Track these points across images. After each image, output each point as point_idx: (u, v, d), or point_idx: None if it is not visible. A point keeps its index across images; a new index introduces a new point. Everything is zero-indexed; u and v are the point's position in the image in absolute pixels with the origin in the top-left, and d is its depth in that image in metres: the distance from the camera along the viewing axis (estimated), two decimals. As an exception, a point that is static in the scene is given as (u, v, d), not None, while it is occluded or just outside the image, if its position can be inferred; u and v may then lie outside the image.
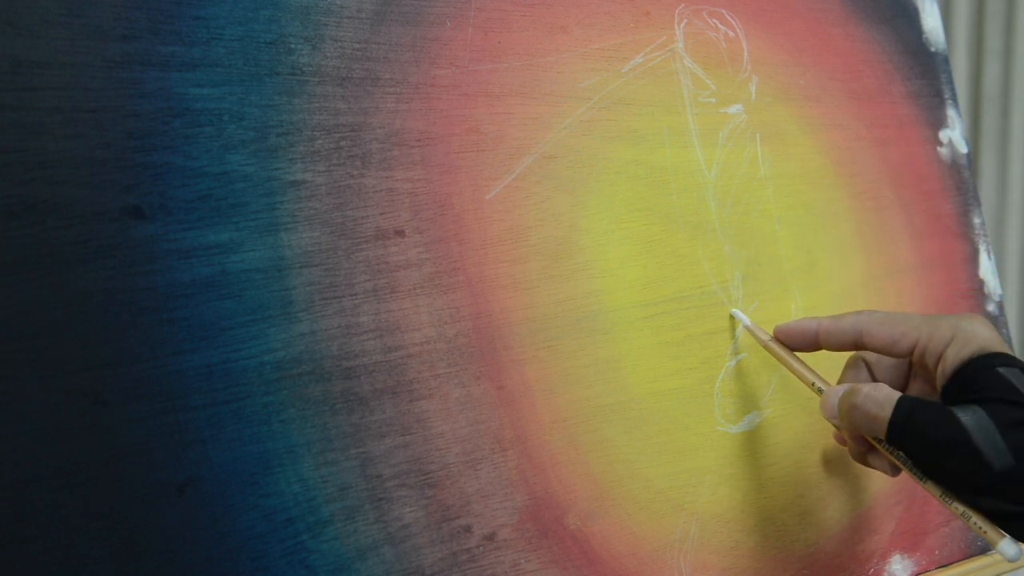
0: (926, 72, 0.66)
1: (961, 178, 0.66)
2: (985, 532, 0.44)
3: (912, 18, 0.66)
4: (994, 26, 1.41)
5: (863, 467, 0.52)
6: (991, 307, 0.66)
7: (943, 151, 0.66)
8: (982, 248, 0.67)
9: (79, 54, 0.39)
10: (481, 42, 0.49)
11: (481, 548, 0.46)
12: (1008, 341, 0.66)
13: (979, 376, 0.44)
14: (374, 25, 0.46)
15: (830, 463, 0.57)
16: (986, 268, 0.66)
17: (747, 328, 0.54)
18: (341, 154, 0.44)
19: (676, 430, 0.52)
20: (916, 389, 0.51)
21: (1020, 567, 0.48)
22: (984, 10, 1.41)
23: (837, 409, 0.48)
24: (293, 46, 0.44)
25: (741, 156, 0.56)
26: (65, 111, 0.39)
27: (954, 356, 0.46)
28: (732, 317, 0.55)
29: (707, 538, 0.52)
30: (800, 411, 0.57)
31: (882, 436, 0.46)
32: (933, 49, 0.67)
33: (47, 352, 0.37)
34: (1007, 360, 0.45)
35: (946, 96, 0.67)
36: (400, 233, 0.45)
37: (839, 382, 0.52)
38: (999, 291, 0.67)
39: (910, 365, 0.51)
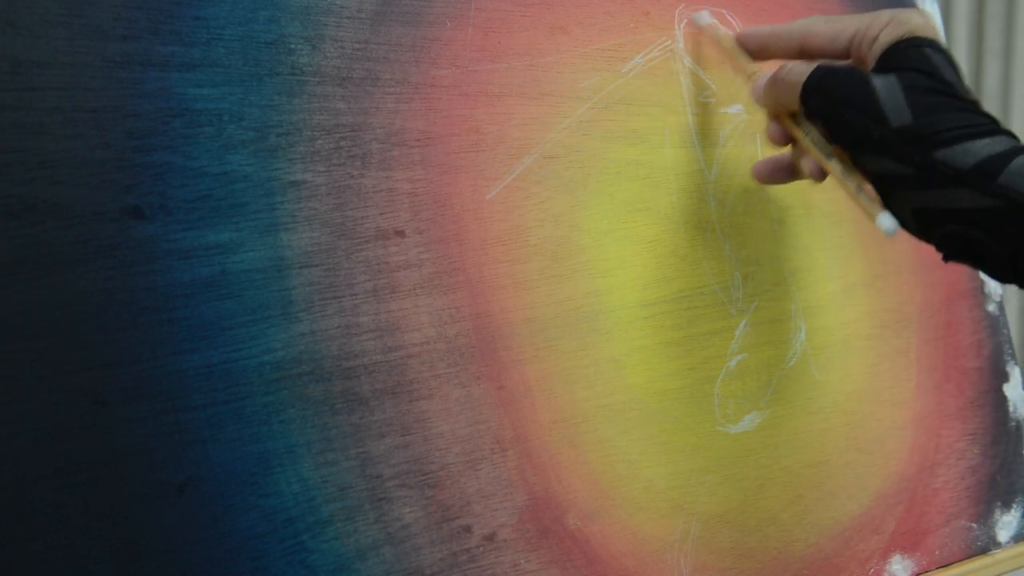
0: (926, 72, 0.66)
1: (961, 178, 0.66)
2: (866, 207, 0.46)
3: (912, 18, 0.66)
4: (994, 26, 1.41)
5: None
6: (991, 307, 0.66)
7: (943, 151, 0.66)
8: (982, 248, 0.67)
9: (79, 54, 0.39)
10: (481, 42, 0.49)
11: (481, 548, 0.46)
12: (1008, 340, 0.66)
13: (904, 52, 0.46)
14: (374, 25, 0.46)
15: (830, 463, 0.57)
16: (986, 268, 0.66)
17: (707, 25, 0.55)
18: (341, 154, 0.44)
19: (676, 430, 0.52)
20: None
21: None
22: (984, 10, 1.41)
23: (763, 88, 0.50)
24: (293, 46, 0.44)
25: (741, 156, 0.56)
26: (65, 111, 0.39)
27: (886, 36, 0.47)
28: (691, 22, 0.55)
29: (707, 538, 0.52)
30: (800, 411, 0.57)
31: (796, 104, 0.48)
32: (933, 49, 0.67)
33: (47, 352, 0.37)
34: (936, 45, 0.46)
35: (946, 96, 0.66)
36: (400, 233, 0.45)
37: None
38: (999, 291, 0.67)
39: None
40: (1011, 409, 0.65)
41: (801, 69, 0.48)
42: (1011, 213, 0.41)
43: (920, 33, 0.46)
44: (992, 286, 0.66)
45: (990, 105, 1.42)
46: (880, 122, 0.44)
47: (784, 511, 0.55)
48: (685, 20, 0.55)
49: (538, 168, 0.49)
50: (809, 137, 0.49)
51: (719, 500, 0.53)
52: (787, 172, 0.53)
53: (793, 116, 0.50)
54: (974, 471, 0.63)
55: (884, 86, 0.44)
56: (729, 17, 0.57)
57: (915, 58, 0.45)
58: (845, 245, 0.60)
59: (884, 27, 0.47)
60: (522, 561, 0.47)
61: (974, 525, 0.62)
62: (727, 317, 0.55)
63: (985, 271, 0.45)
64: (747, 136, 0.57)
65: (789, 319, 0.57)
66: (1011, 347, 0.66)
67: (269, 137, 0.43)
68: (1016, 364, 0.66)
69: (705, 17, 0.55)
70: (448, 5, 0.48)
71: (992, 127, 0.43)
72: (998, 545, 0.63)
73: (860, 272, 0.60)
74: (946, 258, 0.45)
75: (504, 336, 0.47)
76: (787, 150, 0.52)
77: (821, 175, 0.50)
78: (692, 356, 0.53)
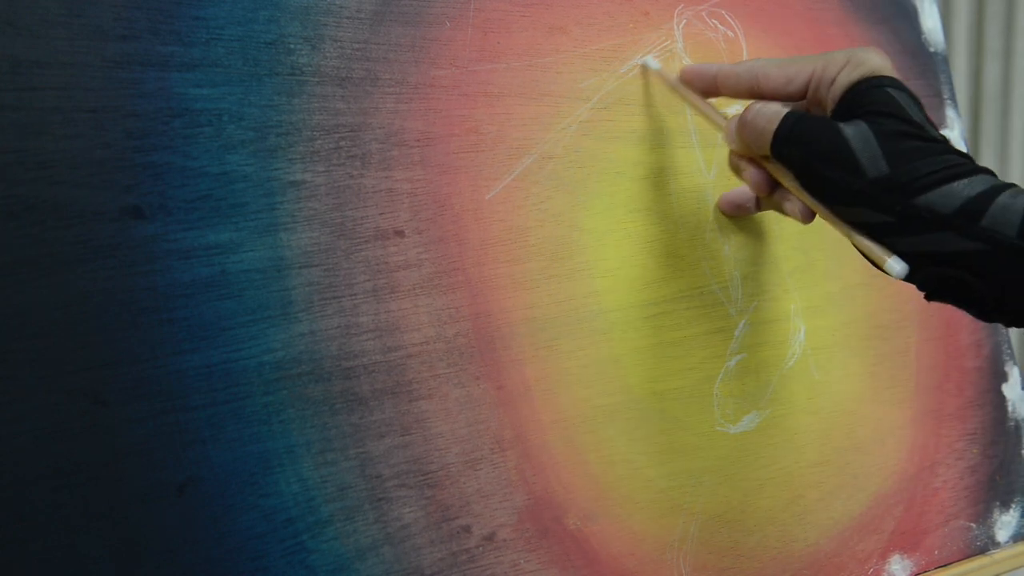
0: (925, 72, 0.66)
1: (961, 178, 0.66)
2: (871, 251, 0.44)
3: (911, 18, 0.66)
4: (994, 26, 1.41)
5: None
6: (991, 307, 0.66)
7: (943, 151, 0.66)
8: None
9: (79, 54, 0.39)
10: (481, 42, 0.49)
11: (481, 548, 0.46)
12: (1007, 340, 0.66)
13: (867, 94, 0.44)
14: (374, 25, 0.46)
15: (830, 463, 0.57)
16: (986, 268, 0.66)
17: (657, 72, 0.53)
18: (341, 154, 0.44)
19: (676, 430, 0.52)
20: None
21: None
22: (984, 10, 1.41)
23: (735, 132, 0.48)
24: (293, 46, 0.44)
25: (741, 156, 0.56)
26: (65, 111, 0.39)
27: (845, 77, 0.45)
28: (643, 66, 0.53)
29: (707, 538, 0.52)
30: (800, 411, 0.57)
31: (767, 150, 0.46)
32: (932, 49, 0.67)
33: (47, 352, 0.37)
34: (897, 83, 0.45)
35: (946, 96, 0.67)
36: (400, 233, 0.45)
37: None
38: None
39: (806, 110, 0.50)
40: (1010, 409, 0.65)
41: (769, 113, 0.46)
42: (997, 255, 0.40)
43: (880, 72, 0.45)
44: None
45: (990, 105, 1.42)
46: (856, 174, 0.43)
47: (784, 511, 0.55)
48: (684, 21, 0.55)
49: (538, 168, 0.50)
50: (789, 182, 0.47)
51: (719, 500, 0.53)
52: (752, 206, 0.53)
53: (766, 158, 0.48)
54: (973, 471, 0.63)
55: (856, 135, 0.43)
56: (728, 18, 0.57)
57: (881, 100, 0.44)
58: (845, 245, 0.60)
59: (842, 68, 0.46)
60: (522, 561, 0.47)
61: (973, 525, 0.62)
62: (727, 317, 0.55)
63: (967, 309, 0.44)
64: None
65: (789, 319, 0.57)
66: (1010, 347, 0.66)
67: (269, 137, 0.43)
68: (1015, 364, 0.66)
69: (652, 62, 0.53)
70: (448, 5, 0.48)
71: (968, 166, 0.42)
72: (997, 545, 0.63)
73: (860, 272, 0.60)
74: (928, 297, 0.44)
75: (504, 336, 0.47)
76: (744, 183, 0.51)
77: (809, 216, 0.48)
78: (692, 356, 0.53)
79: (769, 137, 0.46)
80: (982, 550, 0.62)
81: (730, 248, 0.55)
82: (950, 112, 0.67)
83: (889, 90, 0.44)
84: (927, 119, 0.44)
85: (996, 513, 0.64)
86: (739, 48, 0.57)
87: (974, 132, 1.44)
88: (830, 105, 0.46)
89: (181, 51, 0.41)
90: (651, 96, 0.54)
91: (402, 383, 0.45)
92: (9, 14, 0.38)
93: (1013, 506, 0.64)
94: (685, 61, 0.55)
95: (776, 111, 0.46)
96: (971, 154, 0.49)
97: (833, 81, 0.46)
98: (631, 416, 0.51)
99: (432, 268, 0.46)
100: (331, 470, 0.43)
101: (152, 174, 0.40)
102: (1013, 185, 0.42)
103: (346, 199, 0.44)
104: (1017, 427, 0.66)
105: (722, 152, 0.56)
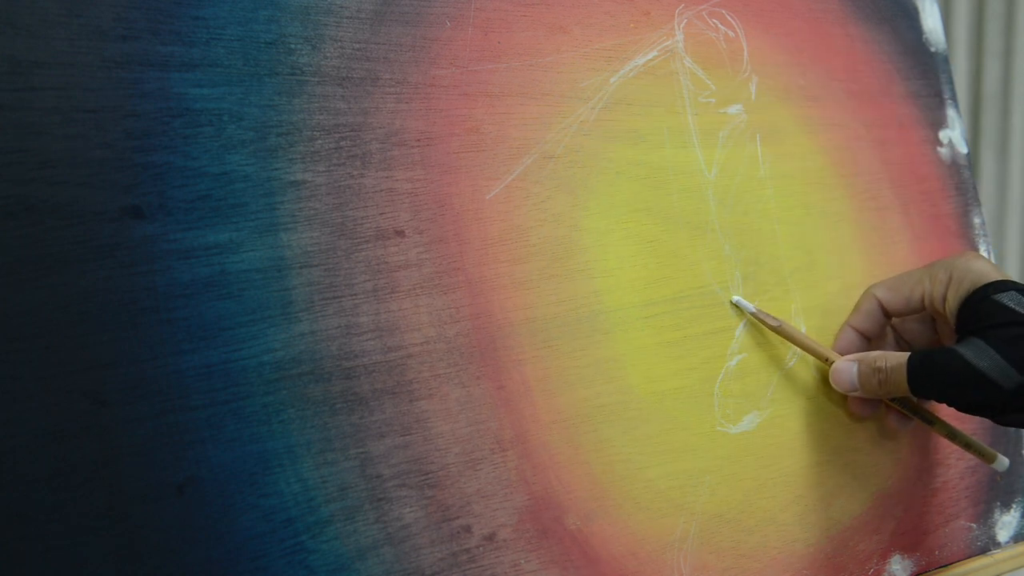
0: (926, 72, 0.66)
1: (961, 178, 0.66)
2: (981, 452, 0.55)
3: (912, 18, 0.66)
4: (994, 26, 1.41)
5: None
6: (991, 307, 0.66)
7: (943, 151, 0.66)
8: (982, 248, 0.67)
9: (78, 54, 0.39)
10: (481, 42, 0.49)
11: (481, 548, 0.46)
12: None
13: (978, 308, 0.49)
14: (374, 25, 0.46)
15: (830, 463, 0.57)
16: (986, 268, 0.66)
17: (754, 315, 0.55)
18: (341, 154, 0.44)
19: (676, 430, 0.52)
20: (947, 336, 0.56)
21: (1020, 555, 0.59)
22: (984, 10, 1.41)
23: (857, 380, 0.53)
24: (293, 46, 0.44)
25: (741, 156, 0.56)
26: (65, 111, 0.38)
27: (954, 297, 0.50)
28: (734, 305, 0.55)
29: (707, 538, 0.52)
30: (800, 411, 0.57)
31: (904, 394, 0.52)
32: (933, 49, 0.67)
33: (47, 352, 0.37)
34: (1001, 286, 0.48)
35: (946, 96, 0.66)
36: (400, 233, 0.45)
37: (841, 345, 0.57)
38: (999, 291, 0.67)
39: (932, 317, 0.56)
40: (1011, 409, 0.65)
41: (893, 364, 0.51)
42: None
43: (983, 280, 0.48)
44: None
45: (990, 105, 1.42)
46: (994, 389, 0.46)
47: (784, 511, 0.55)
48: (685, 21, 0.55)
49: (538, 168, 0.49)
50: (908, 408, 0.55)
51: (719, 500, 0.53)
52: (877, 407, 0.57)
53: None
54: (973, 471, 0.63)
55: (978, 356, 0.47)
56: (729, 17, 0.57)
57: (992, 312, 0.47)
58: (845, 245, 0.60)
59: (947, 286, 0.50)
60: (522, 561, 0.47)
61: (974, 525, 0.62)
62: (727, 317, 0.55)
63: None
64: (746, 136, 0.57)
65: (789, 319, 0.57)
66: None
67: (269, 137, 0.43)
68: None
69: (746, 303, 0.55)
70: (448, 5, 0.48)
71: None
72: (998, 545, 0.63)
73: (860, 272, 0.60)
74: None
75: (504, 336, 0.47)
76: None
77: (905, 425, 0.57)
78: (692, 356, 0.53)
79: (904, 384, 0.51)
80: (983, 550, 0.62)
81: (730, 248, 0.55)
82: (950, 112, 0.67)
83: (996, 298, 0.48)
84: None
85: (997, 513, 0.64)
86: (739, 48, 0.57)
87: (974, 132, 1.44)
88: (952, 321, 0.51)
89: (181, 51, 0.41)
90: (652, 96, 0.54)
91: (402, 383, 0.45)
92: (9, 14, 0.38)
93: (1014, 506, 0.64)
94: (686, 62, 0.55)
95: (899, 358, 0.51)
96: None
97: (944, 299, 0.51)
98: (631, 416, 0.51)
99: (432, 268, 0.46)
100: (331, 470, 0.43)
101: (152, 174, 0.40)
102: None
103: (346, 199, 0.44)
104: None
105: (723, 152, 0.56)
